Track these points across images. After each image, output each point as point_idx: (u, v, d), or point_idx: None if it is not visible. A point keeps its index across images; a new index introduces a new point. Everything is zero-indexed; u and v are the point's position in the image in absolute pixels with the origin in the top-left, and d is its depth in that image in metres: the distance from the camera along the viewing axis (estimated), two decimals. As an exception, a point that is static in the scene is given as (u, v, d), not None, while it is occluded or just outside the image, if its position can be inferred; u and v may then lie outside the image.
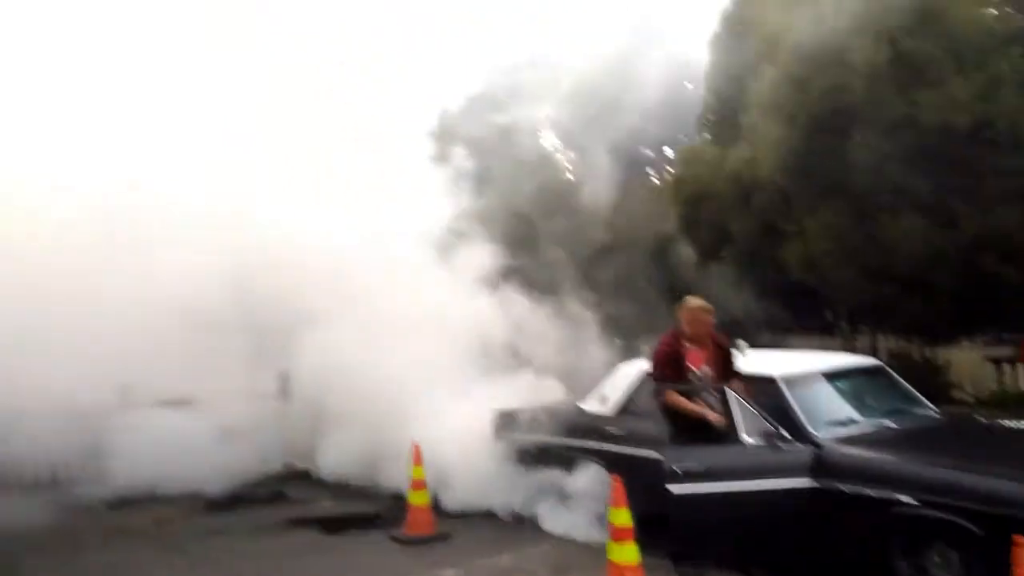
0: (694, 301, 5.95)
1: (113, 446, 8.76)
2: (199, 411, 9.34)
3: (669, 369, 5.79)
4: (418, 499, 7.10)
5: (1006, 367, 12.30)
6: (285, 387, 10.09)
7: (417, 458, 7.13)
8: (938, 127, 10.36)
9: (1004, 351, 12.28)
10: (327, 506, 8.51)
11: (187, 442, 8.78)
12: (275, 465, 9.61)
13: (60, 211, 8.39)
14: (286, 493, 9.08)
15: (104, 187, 8.55)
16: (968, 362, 12.86)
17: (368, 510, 8.06)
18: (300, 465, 9.61)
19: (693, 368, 5.78)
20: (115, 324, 8.19)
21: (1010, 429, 6.71)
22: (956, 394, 12.52)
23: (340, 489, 8.89)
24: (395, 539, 7.07)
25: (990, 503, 4.50)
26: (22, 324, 7.74)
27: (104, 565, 6.85)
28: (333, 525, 7.70)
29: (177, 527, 7.90)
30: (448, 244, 9.85)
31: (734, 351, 6.07)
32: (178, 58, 9.54)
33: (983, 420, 8.07)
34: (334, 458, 8.98)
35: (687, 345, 5.80)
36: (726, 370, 5.89)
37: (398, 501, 7.57)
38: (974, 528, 4.51)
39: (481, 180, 12.73)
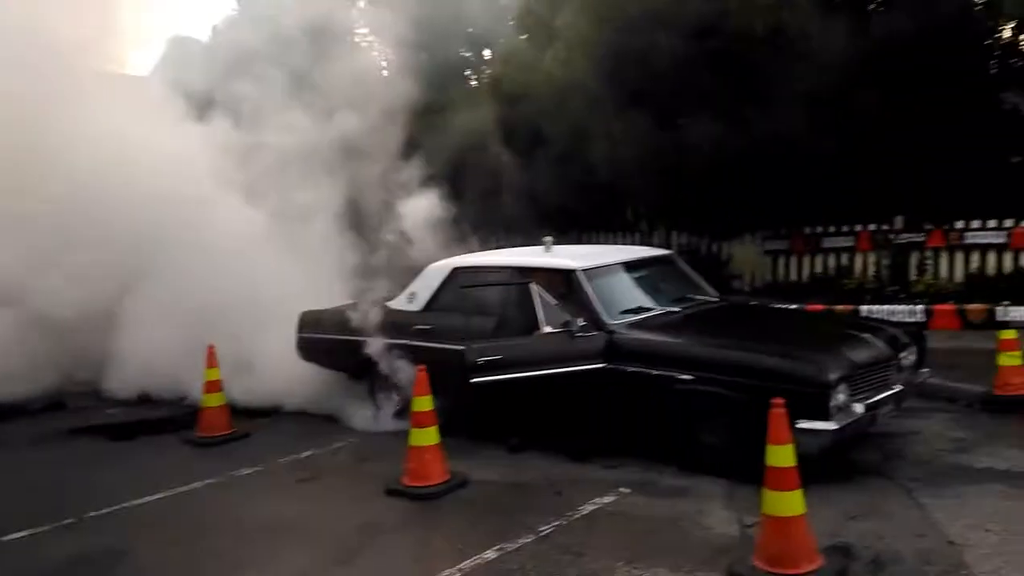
0: None
1: None
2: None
3: None
4: (212, 400, 6.84)
5: (780, 259, 13.57)
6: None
7: (211, 360, 6.85)
8: (737, 32, 10.81)
9: (779, 245, 13.48)
10: (114, 414, 8.03)
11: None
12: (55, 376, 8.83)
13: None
14: (66, 403, 8.47)
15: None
16: (748, 255, 13.99)
17: (159, 415, 7.71)
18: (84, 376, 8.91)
19: None
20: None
21: (778, 312, 7.46)
22: (737, 283, 13.75)
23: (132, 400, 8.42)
24: (189, 442, 6.81)
25: (754, 376, 4.93)
26: None
27: None
28: (121, 432, 7.29)
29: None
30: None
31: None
32: None
33: (756, 304, 9.05)
34: (131, 369, 8.44)
35: None
36: None
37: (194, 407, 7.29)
38: (738, 396, 4.95)
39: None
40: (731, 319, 6.36)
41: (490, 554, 4.22)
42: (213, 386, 6.84)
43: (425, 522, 4.80)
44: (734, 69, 11.21)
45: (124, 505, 5.38)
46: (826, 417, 4.67)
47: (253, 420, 7.34)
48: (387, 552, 4.37)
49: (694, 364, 5.21)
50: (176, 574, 4.30)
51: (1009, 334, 6.69)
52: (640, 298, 6.20)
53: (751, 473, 4.28)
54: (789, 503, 3.68)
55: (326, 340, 7.30)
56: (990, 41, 11.04)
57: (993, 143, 12.13)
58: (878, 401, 5.08)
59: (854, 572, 3.78)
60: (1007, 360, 6.61)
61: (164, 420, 7.59)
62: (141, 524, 5.04)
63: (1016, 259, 11.16)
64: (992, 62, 11.56)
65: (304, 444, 6.55)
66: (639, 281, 6.50)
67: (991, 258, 11.36)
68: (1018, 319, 6.82)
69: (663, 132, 11.65)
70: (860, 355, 5.15)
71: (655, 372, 5.32)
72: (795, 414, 4.51)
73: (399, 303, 7.11)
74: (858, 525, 4.31)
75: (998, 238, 11.21)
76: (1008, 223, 11.17)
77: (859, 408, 4.88)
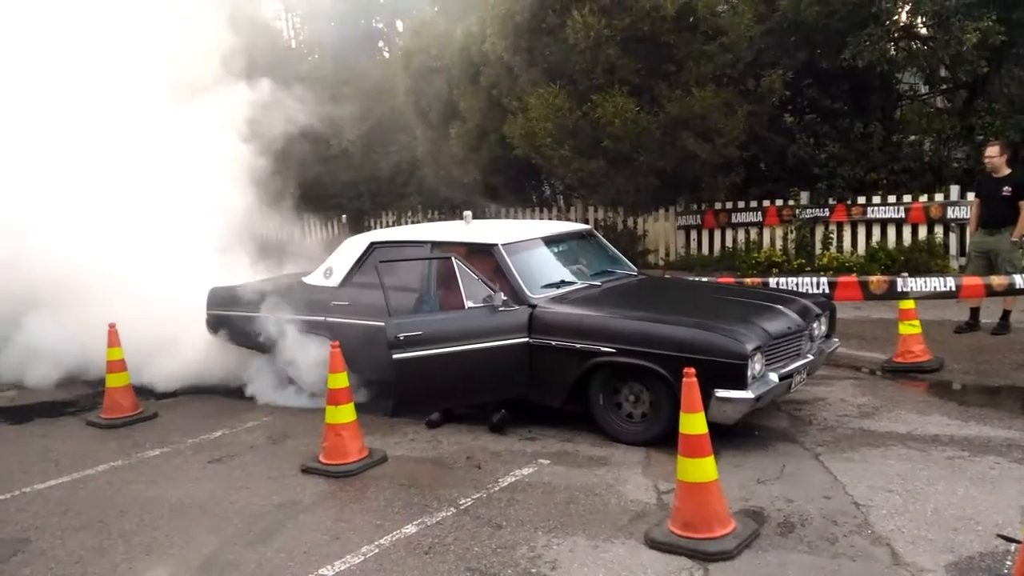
0: None
1: None
2: None
3: None
4: (116, 381, 6.54)
5: (692, 234, 13.92)
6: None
7: (113, 339, 6.54)
8: (649, 11, 10.92)
9: (692, 220, 13.80)
10: (9, 396, 7.64)
11: None
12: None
13: None
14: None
15: None
16: (663, 230, 14.33)
17: (59, 398, 7.37)
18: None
19: None
20: None
21: (691, 285, 7.62)
22: (652, 258, 14.07)
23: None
24: (92, 424, 6.52)
25: (673, 348, 5.01)
26: None
27: None
28: (18, 415, 6.94)
29: None
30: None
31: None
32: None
33: (673, 278, 9.24)
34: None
35: None
36: None
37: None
38: (658, 368, 5.04)
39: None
40: (650, 293, 6.44)
41: (410, 528, 4.19)
42: (116, 366, 6.55)
43: (343, 499, 4.71)
44: (645, 47, 11.32)
45: (24, 490, 5.12)
46: (743, 386, 4.78)
47: (161, 400, 7.08)
48: (304, 530, 4.27)
49: (616, 337, 5.26)
50: (83, 561, 4.10)
51: (908, 304, 6.98)
52: (561, 272, 6.22)
53: (669, 441, 4.36)
54: (702, 469, 3.75)
55: (238, 317, 7.07)
56: (888, 23, 11.42)
57: (892, 124, 12.65)
58: (792, 370, 5.24)
59: (765, 534, 3.89)
60: (907, 329, 6.91)
61: (65, 402, 7.26)
62: (44, 510, 4.80)
63: (914, 233, 11.68)
64: (891, 44, 11.99)
65: (215, 424, 6.36)
66: (559, 256, 6.52)
67: (891, 232, 11.86)
68: (917, 290, 7.10)
69: (578, 108, 11.68)
70: (774, 326, 5.28)
71: (578, 345, 5.35)
72: (713, 384, 4.64)
73: (315, 278, 6.95)
74: (768, 489, 4.45)
75: (897, 213, 11.70)
76: (906, 199, 11.67)
77: (774, 377, 5.03)
